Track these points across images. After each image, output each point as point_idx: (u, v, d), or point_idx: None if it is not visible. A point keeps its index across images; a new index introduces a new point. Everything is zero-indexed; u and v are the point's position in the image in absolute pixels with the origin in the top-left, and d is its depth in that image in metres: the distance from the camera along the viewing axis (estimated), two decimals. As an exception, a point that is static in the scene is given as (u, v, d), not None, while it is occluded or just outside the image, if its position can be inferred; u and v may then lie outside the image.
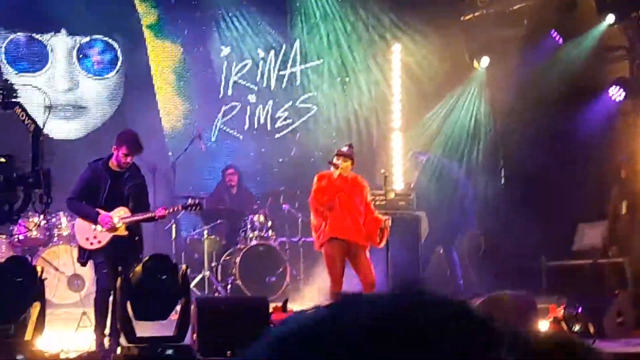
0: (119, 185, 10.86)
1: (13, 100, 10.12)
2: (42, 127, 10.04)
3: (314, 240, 11.82)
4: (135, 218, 10.89)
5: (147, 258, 10.18)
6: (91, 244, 10.79)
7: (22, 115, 10.01)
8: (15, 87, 10.24)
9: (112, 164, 10.85)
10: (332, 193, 11.40)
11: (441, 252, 16.04)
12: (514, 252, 16.14)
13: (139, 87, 18.11)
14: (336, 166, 11.49)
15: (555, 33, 15.98)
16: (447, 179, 16.27)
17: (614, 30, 15.60)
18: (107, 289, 10.55)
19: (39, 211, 10.40)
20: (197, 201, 11.80)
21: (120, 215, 10.81)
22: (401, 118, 17.68)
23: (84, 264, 11.12)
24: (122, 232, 10.80)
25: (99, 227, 10.76)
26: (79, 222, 11.06)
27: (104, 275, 10.71)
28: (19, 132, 10.37)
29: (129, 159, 10.84)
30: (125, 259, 10.52)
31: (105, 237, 10.77)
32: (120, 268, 10.11)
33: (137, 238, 10.95)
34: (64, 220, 14.44)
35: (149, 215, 10.95)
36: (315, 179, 11.70)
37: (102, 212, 10.76)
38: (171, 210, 11.48)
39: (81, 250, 10.96)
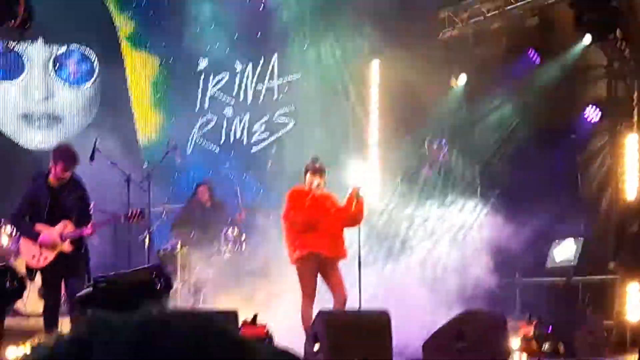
0: (59, 201, 10.71)
1: None
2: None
3: (288, 255, 11.77)
4: (73, 234, 10.71)
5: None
6: (37, 261, 10.67)
7: None
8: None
9: (51, 180, 10.74)
10: (317, 214, 11.38)
11: None
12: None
13: (116, 98, 18.04)
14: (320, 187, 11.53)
15: (533, 52, 15.99)
16: None
17: (592, 50, 15.62)
18: (54, 305, 10.56)
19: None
20: (138, 210, 11.56)
21: (60, 231, 10.64)
22: (378, 134, 17.62)
23: (32, 279, 10.94)
24: (67, 247, 10.68)
25: None
26: (23, 239, 10.96)
27: (51, 292, 10.69)
28: None
29: (67, 174, 10.72)
30: (73, 272, 10.47)
31: (51, 254, 10.65)
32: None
33: (82, 251, 10.82)
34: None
35: (81, 232, 10.75)
36: (290, 195, 11.64)
37: (43, 231, 10.63)
38: (103, 223, 11.34)
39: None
